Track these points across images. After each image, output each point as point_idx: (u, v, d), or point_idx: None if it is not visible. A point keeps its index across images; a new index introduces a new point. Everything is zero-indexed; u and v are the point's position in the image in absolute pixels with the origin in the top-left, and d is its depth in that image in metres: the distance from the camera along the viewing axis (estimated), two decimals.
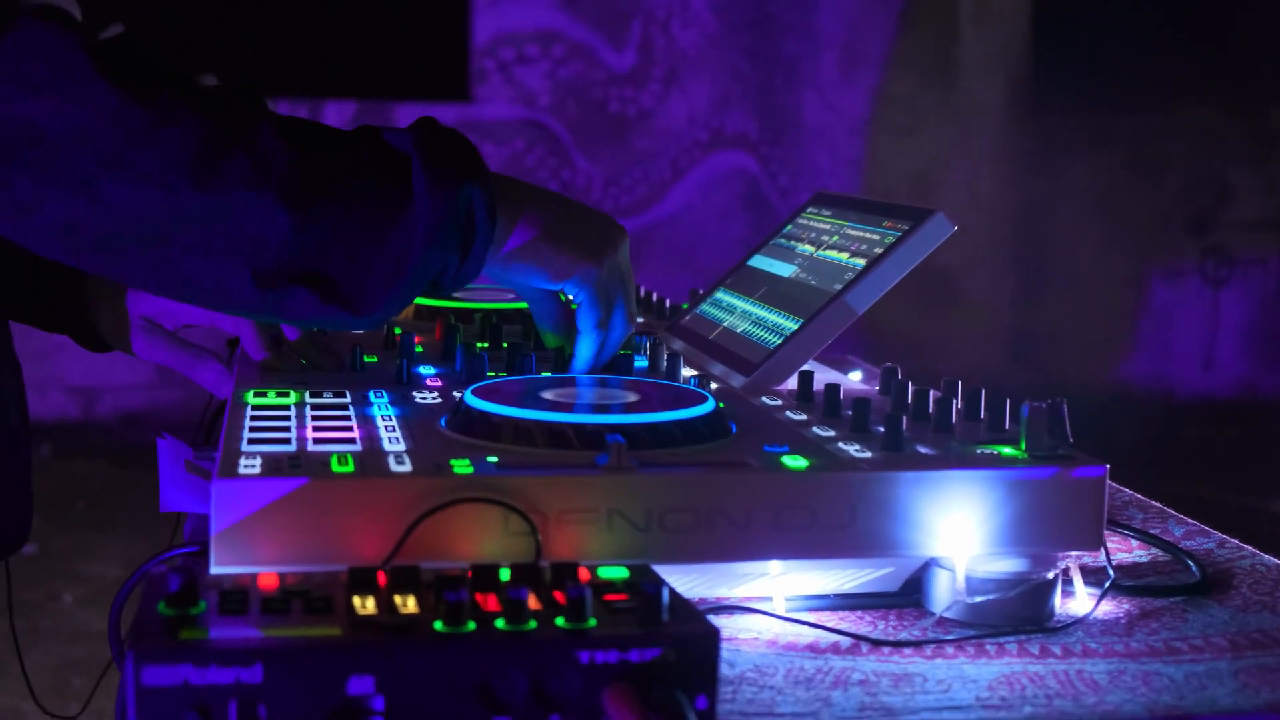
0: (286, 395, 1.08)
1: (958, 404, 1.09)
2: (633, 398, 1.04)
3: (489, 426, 0.97)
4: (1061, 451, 0.98)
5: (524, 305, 1.45)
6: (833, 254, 1.28)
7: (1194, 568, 1.07)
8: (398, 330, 1.37)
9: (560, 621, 0.76)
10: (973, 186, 6.25)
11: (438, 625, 0.75)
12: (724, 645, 0.92)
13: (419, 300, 1.49)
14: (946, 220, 1.21)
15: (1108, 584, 1.02)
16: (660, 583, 0.78)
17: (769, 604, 0.98)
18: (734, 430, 1.02)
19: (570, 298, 1.14)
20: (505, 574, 0.81)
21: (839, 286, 1.22)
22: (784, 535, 0.92)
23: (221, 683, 0.71)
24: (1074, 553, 1.00)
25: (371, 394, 1.09)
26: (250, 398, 1.07)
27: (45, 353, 4.71)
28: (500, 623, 0.76)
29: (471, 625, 0.76)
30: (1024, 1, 6.16)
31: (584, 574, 0.85)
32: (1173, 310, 6.56)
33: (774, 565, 0.98)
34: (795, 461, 0.94)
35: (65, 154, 0.88)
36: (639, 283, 1.43)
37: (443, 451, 0.93)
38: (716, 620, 0.96)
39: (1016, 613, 0.96)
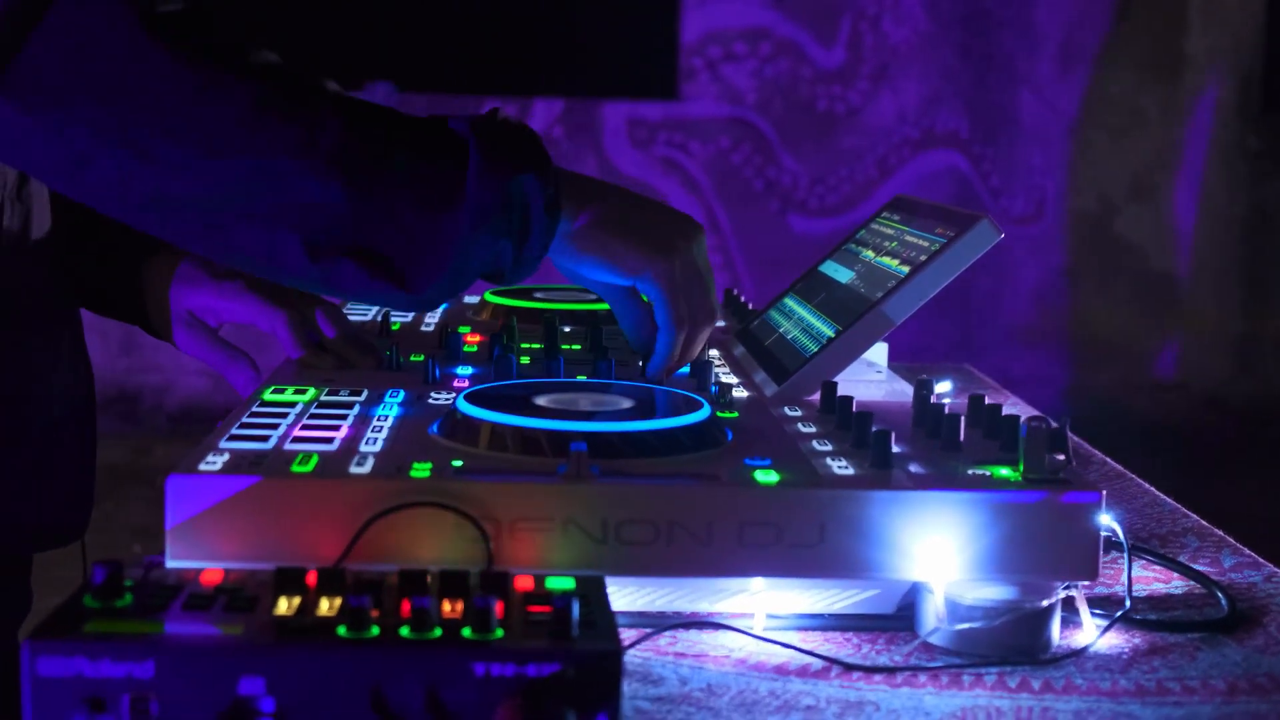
0: (303, 393, 1.09)
1: (977, 421, 1.04)
2: (627, 405, 1.02)
3: (468, 430, 0.97)
4: (1063, 475, 0.93)
5: (587, 307, 1.44)
6: (886, 260, 1.24)
7: (1223, 602, 1.00)
8: (464, 329, 1.38)
9: (466, 632, 0.76)
10: (1196, 188, 5.98)
11: (341, 630, 0.75)
12: (686, 661, 0.90)
13: (492, 298, 1.50)
14: (992, 228, 1.15)
15: (1116, 616, 0.96)
16: (574, 597, 0.77)
17: (750, 621, 0.95)
18: (729, 439, 1.00)
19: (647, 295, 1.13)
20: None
21: (880, 295, 1.18)
22: (749, 552, 0.89)
23: (114, 676, 0.72)
24: (1081, 582, 0.95)
25: (389, 394, 1.10)
26: (268, 394, 1.09)
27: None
28: (405, 630, 0.76)
29: (375, 631, 0.76)
30: None
31: (528, 583, 0.84)
32: None
33: (756, 581, 0.95)
34: (766, 476, 0.91)
35: (119, 111, 0.91)
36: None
37: (414, 454, 0.93)
38: (691, 636, 0.94)
39: (1007, 642, 0.92)
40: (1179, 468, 5.33)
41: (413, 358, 1.26)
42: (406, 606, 0.77)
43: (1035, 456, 0.93)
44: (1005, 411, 1.02)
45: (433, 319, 1.49)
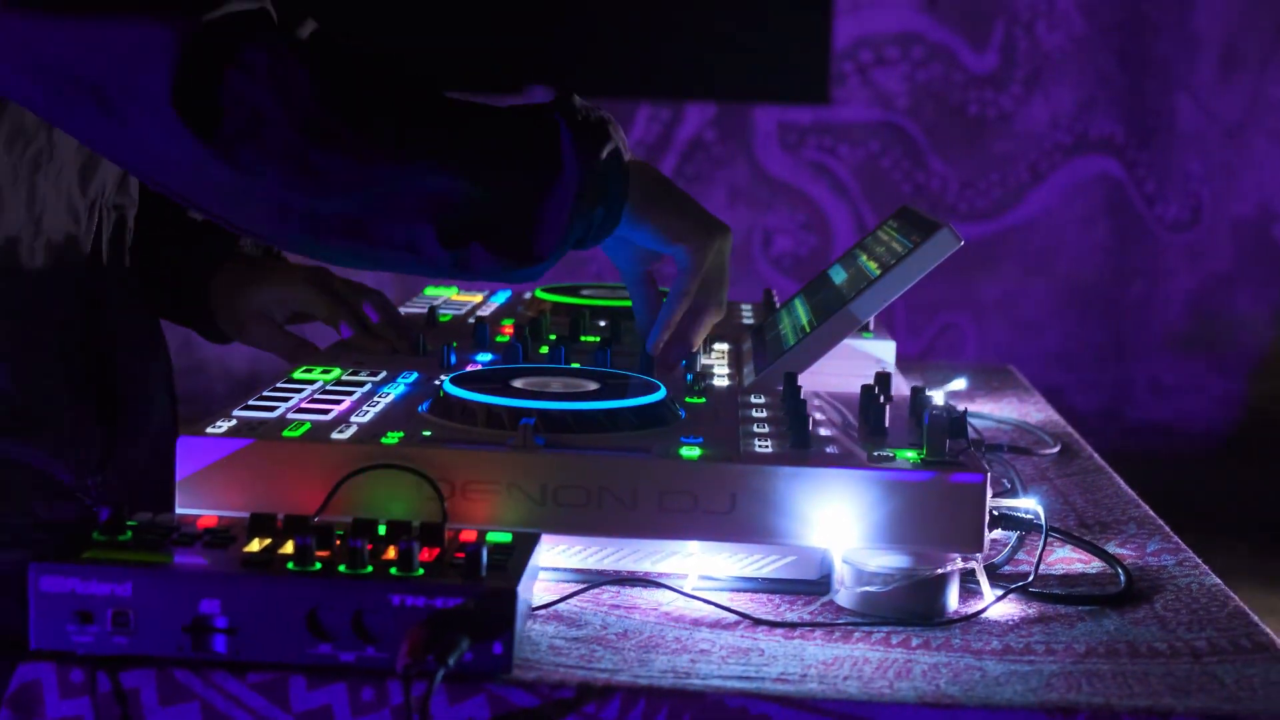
0: (329, 372, 1.25)
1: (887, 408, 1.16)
2: (593, 388, 1.15)
3: (446, 407, 1.11)
4: (961, 459, 1.03)
5: (614, 304, 1.58)
6: (870, 264, 1.35)
7: (1122, 579, 1.09)
8: (507, 321, 1.53)
9: (393, 570, 0.90)
10: None
11: (290, 565, 0.91)
12: (617, 612, 1.03)
13: (541, 294, 1.64)
14: (951, 236, 1.26)
15: (1011, 587, 1.06)
16: (484, 545, 0.91)
17: (684, 580, 1.07)
18: (681, 419, 1.13)
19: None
20: (383, 529, 0.96)
21: (852, 295, 1.29)
22: (668, 517, 1.02)
23: (100, 594, 0.88)
24: (977, 554, 1.05)
25: (402, 375, 1.25)
26: (298, 373, 1.25)
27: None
28: (342, 566, 0.90)
29: (317, 566, 0.91)
30: None
31: (471, 535, 0.98)
32: None
33: (693, 545, 1.07)
34: (690, 451, 1.03)
35: (282, 130, 1.05)
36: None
37: (395, 426, 1.08)
38: (635, 591, 1.07)
39: (903, 606, 1.03)
40: None
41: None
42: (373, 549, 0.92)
43: (936, 441, 1.04)
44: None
45: (484, 312, 1.65)
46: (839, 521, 1.01)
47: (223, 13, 1.04)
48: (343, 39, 1.14)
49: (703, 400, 1.21)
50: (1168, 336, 5.94)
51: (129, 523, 0.96)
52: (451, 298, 1.75)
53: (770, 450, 1.05)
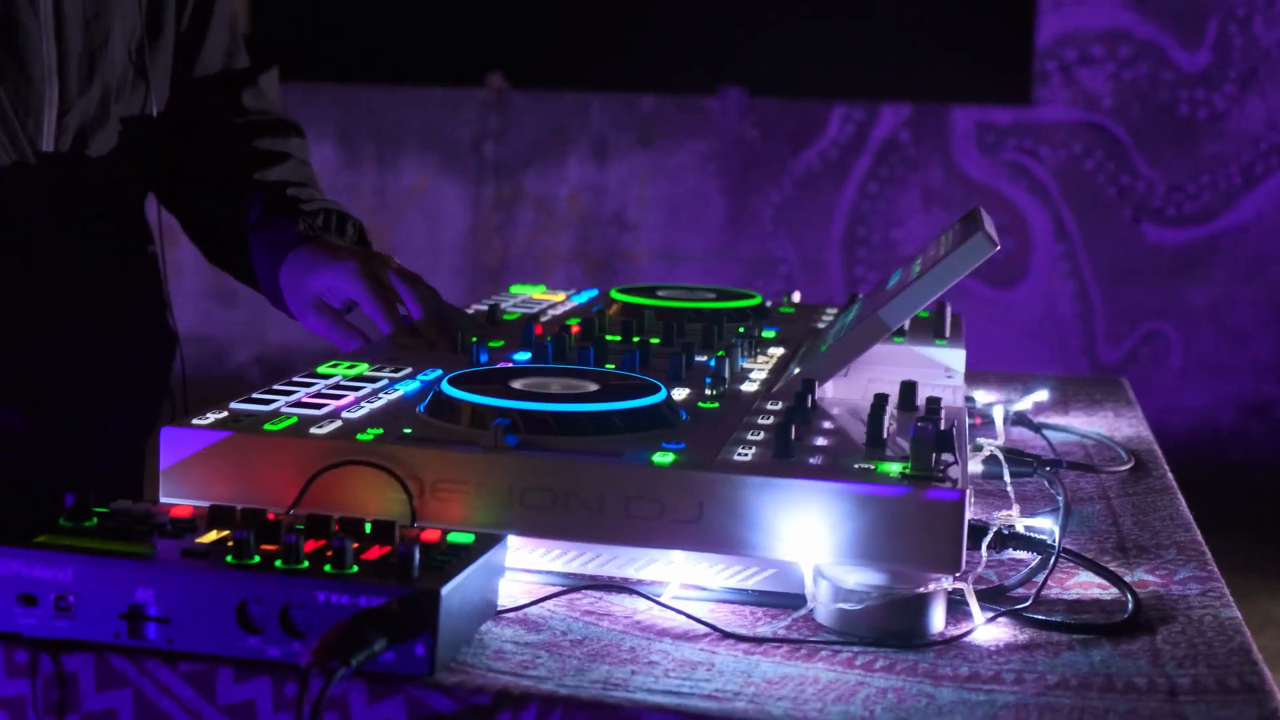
0: (354, 367, 1.26)
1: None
2: (592, 389, 1.13)
3: (436, 405, 1.11)
4: (948, 474, 0.98)
5: (675, 305, 1.55)
6: (917, 268, 1.30)
7: (1130, 610, 1.02)
8: (573, 320, 1.52)
9: (327, 567, 0.90)
10: None
11: (229, 558, 0.91)
12: (587, 618, 1.01)
13: (616, 295, 1.62)
14: (986, 241, 1.20)
15: (1001, 611, 1.01)
16: (416, 545, 0.90)
17: (665, 590, 1.04)
18: (680, 422, 1.10)
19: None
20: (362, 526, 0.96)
21: (885, 301, 1.24)
22: (634, 524, 0.99)
23: (42, 578, 0.90)
24: (967, 574, 1.00)
25: (424, 373, 1.25)
26: (323, 367, 1.26)
27: None
28: (279, 562, 0.91)
29: (255, 560, 0.91)
30: None
31: (434, 535, 0.98)
32: None
33: (676, 554, 1.04)
34: (662, 457, 1.01)
35: None
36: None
37: (382, 423, 1.08)
38: (614, 598, 1.04)
39: (879, 624, 0.98)
40: None
41: (491, 344, 1.40)
42: (315, 544, 0.93)
43: (921, 455, 0.99)
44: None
45: (559, 310, 1.64)
46: (810, 535, 0.97)
47: None
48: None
49: (716, 405, 1.17)
50: None
51: (98, 509, 0.98)
52: (534, 296, 1.75)
53: (749, 459, 1.01)
